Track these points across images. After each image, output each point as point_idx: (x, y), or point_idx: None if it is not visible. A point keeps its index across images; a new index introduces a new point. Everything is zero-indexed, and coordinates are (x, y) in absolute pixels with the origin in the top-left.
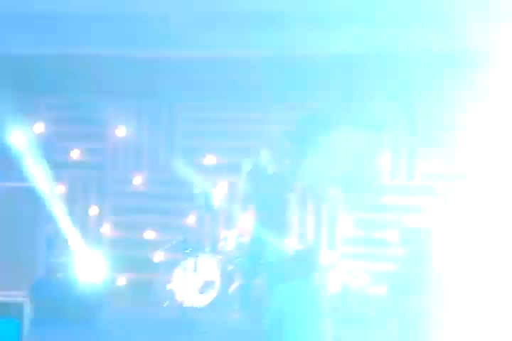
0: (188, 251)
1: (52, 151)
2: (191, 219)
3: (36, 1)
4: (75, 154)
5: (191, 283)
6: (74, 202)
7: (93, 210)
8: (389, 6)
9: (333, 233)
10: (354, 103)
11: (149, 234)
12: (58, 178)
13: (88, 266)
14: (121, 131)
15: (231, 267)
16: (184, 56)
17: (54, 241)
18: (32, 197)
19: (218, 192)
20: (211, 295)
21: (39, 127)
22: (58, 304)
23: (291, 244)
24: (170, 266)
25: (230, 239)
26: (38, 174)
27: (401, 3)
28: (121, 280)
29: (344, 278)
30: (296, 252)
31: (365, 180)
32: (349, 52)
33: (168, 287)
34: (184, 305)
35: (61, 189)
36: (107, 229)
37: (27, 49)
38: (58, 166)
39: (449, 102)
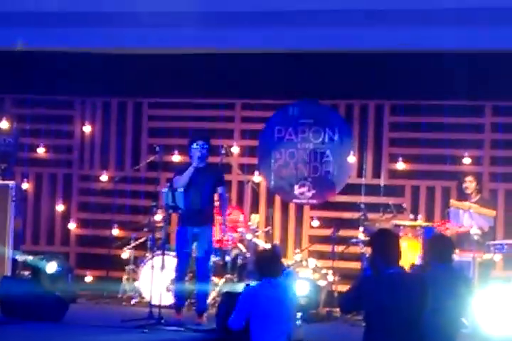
0: (154, 248)
1: (18, 148)
2: (158, 217)
3: None
4: (42, 151)
5: (158, 281)
6: (40, 198)
7: (60, 207)
8: None
9: (300, 231)
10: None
11: (116, 232)
12: (25, 175)
13: (55, 263)
14: (87, 128)
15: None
16: (148, 53)
17: (22, 238)
18: (1, 194)
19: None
20: None
21: (5, 124)
22: (25, 302)
23: (259, 242)
24: (137, 263)
25: None
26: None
27: None
28: (88, 278)
29: (311, 277)
30: (260, 252)
31: (332, 179)
32: None
33: (135, 285)
34: (152, 303)
35: (28, 186)
36: (73, 227)
37: None
38: (25, 163)
39: None
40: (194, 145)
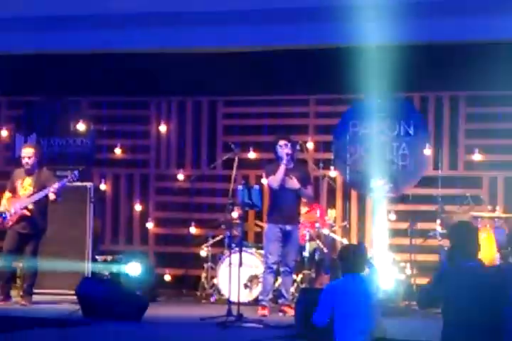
0: (232, 245)
1: (95, 150)
2: (234, 215)
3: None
4: (119, 152)
5: (236, 278)
6: (118, 199)
7: (138, 207)
8: None
9: (377, 225)
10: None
11: (193, 230)
12: (103, 176)
13: (135, 263)
14: (163, 128)
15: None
16: (221, 51)
17: (101, 238)
18: (79, 196)
19: (261, 187)
20: (256, 289)
21: (82, 126)
22: (106, 302)
23: (335, 237)
24: (215, 261)
25: None
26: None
27: None
28: (167, 277)
29: (390, 270)
30: (345, 247)
31: (408, 171)
32: None
33: (214, 282)
34: (230, 300)
35: (106, 187)
36: (151, 226)
37: (70, 47)
38: (102, 164)
39: None
40: (279, 145)
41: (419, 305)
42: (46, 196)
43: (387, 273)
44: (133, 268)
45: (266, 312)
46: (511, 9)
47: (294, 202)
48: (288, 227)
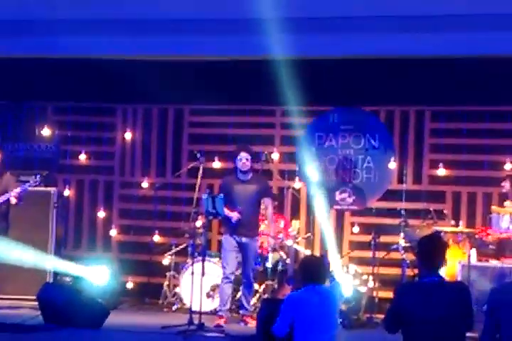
0: (195, 254)
1: (60, 155)
2: (198, 224)
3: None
4: (83, 158)
5: (199, 288)
6: (82, 205)
7: (101, 214)
8: None
9: (340, 237)
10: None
11: (157, 238)
12: (67, 182)
13: (96, 270)
14: (129, 135)
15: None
16: (191, 60)
17: (63, 244)
18: (42, 201)
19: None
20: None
21: (47, 131)
22: (66, 309)
23: (299, 248)
24: (178, 269)
25: None
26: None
27: None
28: (130, 284)
29: (352, 283)
30: (307, 258)
31: (373, 184)
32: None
33: (176, 291)
34: (192, 309)
35: (70, 193)
36: (115, 233)
37: (36, 52)
38: (67, 170)
39: None
40: (239, 157)
41: (388, 330)
42: (8, 200)
43: (350, 285)
44: (96, 275)
45: (222, 321)
46: (474, 26)
47: (252, 215)
48: (244, 239)
